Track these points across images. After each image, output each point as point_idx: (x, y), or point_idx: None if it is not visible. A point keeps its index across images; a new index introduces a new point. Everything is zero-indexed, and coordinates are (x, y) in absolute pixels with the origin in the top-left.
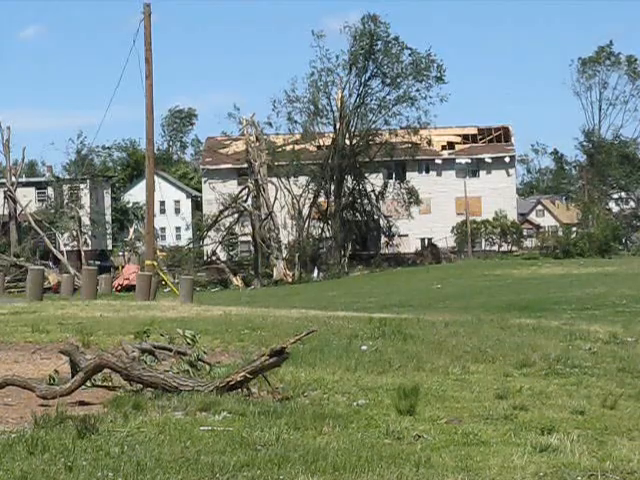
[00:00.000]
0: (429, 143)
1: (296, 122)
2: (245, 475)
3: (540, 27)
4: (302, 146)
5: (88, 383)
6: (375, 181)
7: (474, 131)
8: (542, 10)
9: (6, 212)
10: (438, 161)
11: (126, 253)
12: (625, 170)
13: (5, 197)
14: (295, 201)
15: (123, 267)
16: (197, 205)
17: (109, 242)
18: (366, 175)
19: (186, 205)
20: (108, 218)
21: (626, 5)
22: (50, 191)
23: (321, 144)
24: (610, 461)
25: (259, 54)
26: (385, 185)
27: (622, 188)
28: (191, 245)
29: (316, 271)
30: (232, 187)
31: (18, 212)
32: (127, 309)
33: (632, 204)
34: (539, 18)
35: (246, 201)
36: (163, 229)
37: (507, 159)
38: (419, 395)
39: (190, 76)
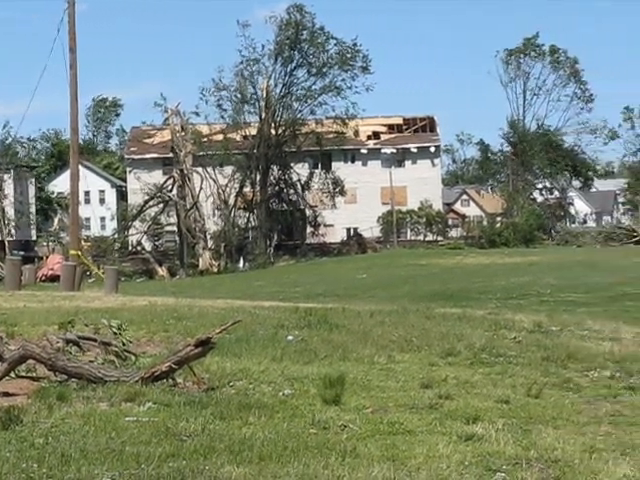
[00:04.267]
0: (356, 134)
1: (225, 110)
2: (171, 466)
3: (465, 17)
4: (228, 136)
5: (12, 374)
6: (301, 171)
7: (399, 121)
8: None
9: None
10: (364, 151)
11: (50, 243)
12: (549, 158)
13: None
14: (221, 191)
15: (47, 257)
16: (122, 195)
17: (33, 232)
18: (292, 165)
19: (111, 195)
20: (32, 208)
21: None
22: None
23: (247, 134)
24: (535, 450)
25: (187, 44)
26: (311, 175)
27: (546, 177)
28: (116, 235)
29: (242, 261)
30: (157, 177)
31: None
32: (51, 299)
33: (556, 193)
34: (465, 8)
35: (171, 191)
36: (88, 219)
37: (432, 149)
38: (345, 385)
39: (117, 65)
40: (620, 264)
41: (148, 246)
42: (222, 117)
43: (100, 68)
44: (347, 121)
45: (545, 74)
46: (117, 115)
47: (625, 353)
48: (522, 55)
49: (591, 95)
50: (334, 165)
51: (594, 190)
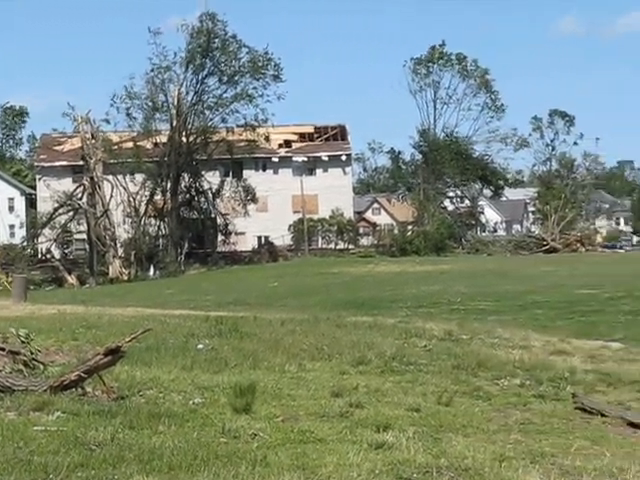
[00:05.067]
0: (267, 139)
1: (135, 118)
2: (79, 475)
3: (377, 24)
4: (139, 143)
5: None
6: (212, 179)
7: (311, 129)
8: (380, 6)
9: None
10: (275, 159)
11: None
12: (460, 167)
13: None
14: (131, 199)
15: None
16: (31, 203)
17: None
18: (203, 173)
19: (20, 203)
20: None
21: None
22: None
23: (158, 141)
24: (445, 458)
25: (99, 51)
26: (222, 183)
27: (457, 186)
28: (25, 243)
29: (152, 269)
30: (67, 184)
31: None
32: None
33: (467, 202)
34: (377, 15)
35: (81, 199)
36: None
37: (343, 157)
38: (255, 393)
39: (26, 73)
40: (530, 273)
41: (58, 254)
42: (129, 126)
43: (9, 75)
44: (257, 127)
45: (455, 83)
46: (24, 122)
47: (535, 361)
48: (430, 64)
49: (502, 105)
50: (245, 173)
51: (504, 199)
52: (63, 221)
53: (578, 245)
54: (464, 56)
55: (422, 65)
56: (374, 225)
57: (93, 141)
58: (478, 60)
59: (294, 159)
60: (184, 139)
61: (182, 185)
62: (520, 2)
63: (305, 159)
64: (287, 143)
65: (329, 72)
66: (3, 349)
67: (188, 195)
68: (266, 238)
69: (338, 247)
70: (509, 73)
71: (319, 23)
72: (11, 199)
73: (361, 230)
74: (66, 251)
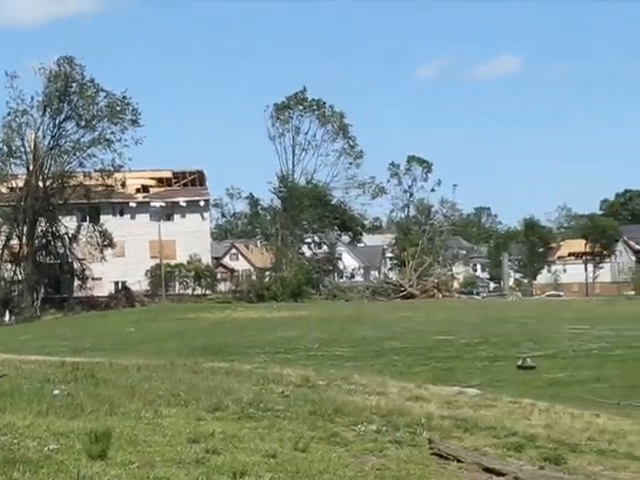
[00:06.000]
0: (123, 185)
1: None
2: None
3: (236, 70)
4: None
5: None
6: (69, 224)
7: (169, 175)
8: (242, 53)
9: None
10: (132, 204)
11: None
12: (318, 213)
13: None
14: None
15: None
16: None
17: None
18: (60, 217)
19: None
20: None
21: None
22: None
23: (14, 186)
24: None
25: None
26: (79, 228)
27: (315, 232)
28: None
29: (7, 315)
30: None
31: None
32: None
33: (325, 248)
34: (238, 62)
35: None
36: None
37: (202, 203)
38: (111, 439)
39: None
40: (387, 319)
41: None
42: None
43: None
44: (114, 172)
45: (314, 129)
46: None
47: (391, 407)
48: (290, 110)
49: (361, 152)
50: (102, 218)
51: (362, 245)
52: None
53: (435, 291)
54: (323, 102)
55: (282, 111)
56: (232, 271)
57: None
58: (334, 106)
59: (152, 204)
60: (41, 183)
61: (39, 230)
62: (379, 48)
63: (163, 204)
64: (145, 188)
65: (188, 118)
66: None
67: (45, 240)
68: (123, 283)
69: (196, 293)
70: (369, 121)
71: (178, 68)
72: None
73: (219, 276)
74: None
